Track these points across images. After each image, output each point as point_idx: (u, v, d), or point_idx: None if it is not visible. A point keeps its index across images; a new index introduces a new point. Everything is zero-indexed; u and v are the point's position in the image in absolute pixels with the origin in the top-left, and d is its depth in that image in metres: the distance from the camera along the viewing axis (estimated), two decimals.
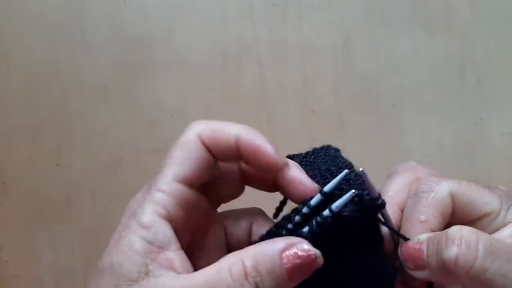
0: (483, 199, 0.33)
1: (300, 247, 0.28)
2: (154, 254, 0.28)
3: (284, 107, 0.70)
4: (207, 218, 0.33)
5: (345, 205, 0.29)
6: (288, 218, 0.31)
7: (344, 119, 0.70)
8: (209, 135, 0.32)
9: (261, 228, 0.34)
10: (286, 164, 0.32)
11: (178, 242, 0.29)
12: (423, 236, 0.32)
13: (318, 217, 0.29)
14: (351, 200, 0.30)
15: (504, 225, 0.32)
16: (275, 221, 0.34)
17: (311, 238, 0.29)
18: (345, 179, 0.32)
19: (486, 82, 0.71)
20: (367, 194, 0.30)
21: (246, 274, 0.27)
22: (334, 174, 0.33)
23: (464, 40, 0.71)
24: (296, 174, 0.32)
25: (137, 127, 0.69)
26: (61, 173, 0.68)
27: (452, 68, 0.71)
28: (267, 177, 0.32)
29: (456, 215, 0.33)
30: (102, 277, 0.28)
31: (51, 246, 0.68)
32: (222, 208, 0.36)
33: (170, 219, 0.29)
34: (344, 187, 0.32)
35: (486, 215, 0.33)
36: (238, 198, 0.36)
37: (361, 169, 0.30)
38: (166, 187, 0.30)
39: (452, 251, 0.29)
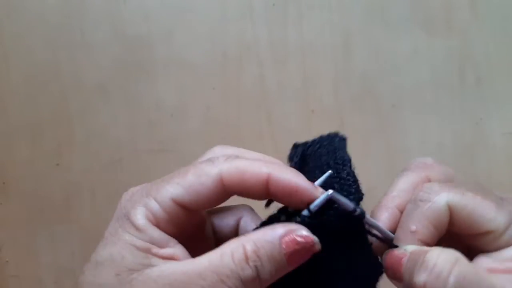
0: (487, 215, 0.30)
1: (299, 233, 0.29)
2: (154, 250, 0.29)
3: (284, 107, 0.70)
4: (196, 226, 0.33)
5: (328, 206, 0.30)
6: (274, 218, 0.31)
7: (344, 119, 0.70)
8: (234, 177, 0.30)
9: (248, 225, 0.35)
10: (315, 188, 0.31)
11: (174, 239, 0.30)
12: (410, 248, 0.32)
13: (297, 217, 0.30)
14: (330, 200, 0.30)
15: (508, 245, 0.30)
16: (262, 218, 0.34)
17: None
18: (338, 176, 0.32)
19: (486, 82, 0.71)
20: (343, 208, 0.30)
21: (247, 259, 0.28)
22: (337, 164, 0.33)
23: (464, 40, 0.71)
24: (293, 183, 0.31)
25: (137, 127, 0.69)
26: (61, 173, 0.68)
27: (452, 68, 0.71)
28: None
29: (456, 227, 0.32)
30: (101, 268, 0.28)
31: (51, 246, 0.68)
32: None
33: (159, 228, 0.30)
34: (336, 185, 0.32)
35: (487, 232, 0.31)
36: None
37: (330, 191, 0.30)
38: (162, 201, 0.30)
39: (422, 277, 0.29)
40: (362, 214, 0.31)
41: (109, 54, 0.68)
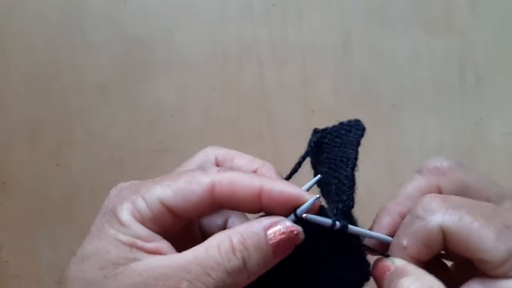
0: (483, 244, 0.29)
1: (283, 224, 0.29)
2: (139, 244, 0.29)
3: (284, 107, 0.70)
4: (182, 227, 0.33)
5: (318, 210, 0.30)
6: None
7: (344, 119, 0.70)
8: (226, 189, 0.29)
9: (235, 224, 0.35)
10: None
11: (160, 236, 0.30)
12: (397, 262, 0.31)
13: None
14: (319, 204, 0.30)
15: (506, 276, 0.29)
16: (250, 219, 0.34)
17: None
18: (337, 177, 0.32)
19: (486, 82, 0.71)
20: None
21: (233, 250, 0.28)
22: (341, 162, 0.33)
23: (464, 40, 0.70)
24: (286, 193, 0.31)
25: (137, 127, 0.69)
26: (61, 173, 0.68)
27: (452, 68, 0.71)
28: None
29: (451, 248, 0.31)
30: (87, 262, 0.28)
31: (51, 246, 0.68)
32: None
33: (144, 225, 0.30)
34: (333, 186, 0.32)
35: (482, 261, 0.29)
36: None
37: (304, 215, 0.30)
38: (150, 200, 0.29)
39: None
40: (344, 226, 0.31)
41: (109, 54, 0.68)
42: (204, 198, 0.29)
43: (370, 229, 0.35)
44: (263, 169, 0.34)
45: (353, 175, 0.33)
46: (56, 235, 0.68)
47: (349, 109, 0.70)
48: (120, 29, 0.68)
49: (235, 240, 0.28)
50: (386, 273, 0.31)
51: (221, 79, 0.69)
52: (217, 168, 0.30)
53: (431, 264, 0.33)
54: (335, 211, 0.31)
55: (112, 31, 0.68)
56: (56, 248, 0.68)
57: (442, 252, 0.33)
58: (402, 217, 0.34)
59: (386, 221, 0.34)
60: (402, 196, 0.35)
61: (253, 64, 0.70)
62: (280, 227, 0.29)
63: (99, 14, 0.68)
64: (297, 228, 0.29)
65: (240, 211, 0.32)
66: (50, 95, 0.68)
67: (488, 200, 0.33)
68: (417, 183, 0.35)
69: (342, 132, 0.36)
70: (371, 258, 0.35)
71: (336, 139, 0.35)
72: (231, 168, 0.31)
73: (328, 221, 0.30)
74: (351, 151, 0.34)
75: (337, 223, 0.30)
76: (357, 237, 0.33)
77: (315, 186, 0.36)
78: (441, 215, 0.30)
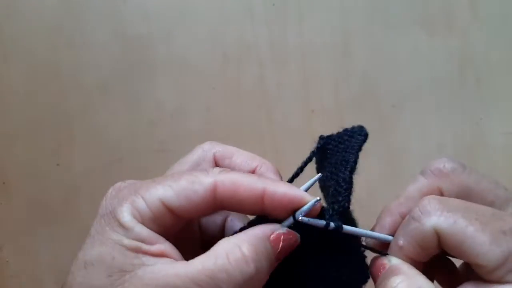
0: (477, 248, 0.29)
1: (282, 231, 0.30)
2: (143, 248, 0.28)
3: (284, 107, 0.70)
4: (182, 227, 0.33)
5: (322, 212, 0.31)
6: (260, 219, 0.31)
7: (344, 119, 0.70)
8: (228, 190, 0.29)
9: (235, 224, 0.35)
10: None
11: (162, 237, 0.29)
12: (393, 261, 0.32)
13: (284, 222, 0.31)
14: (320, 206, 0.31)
15: (500, 281, 0.29)
16: (248, 218, 0.34)
17: None
18: (335, 179, 0.33)
19: (486, 82, 0.71)
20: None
21: (245, 259, 0.28)
22: (341, 165, 0.34)
23: (464, 40, 0.70)
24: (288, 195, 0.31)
25: (137, 127, 0.69)
26: (61, 173, 0.68)
27: (452, 68, 0.71)
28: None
29: (446, 250, 0.31)
30: (91, 268, 0.28)
31: (51, 246, 0.68)
32: None
33: (145, 225, 0.29)
34: (331, 188, 0.33)
35: (476, 265, 0.29)
36: None
37: (300, 218, 0.30)
38: (150, 200, 0.29)
39: None
40: (338, 227, 0.31)
41: (109, 54, 0.68)
42: (206, 199, 0.29)
43: (373, 229, 0.35)
44: (262, 168, 0.34)
45: (351, 177, 0.33)
46: (56, 235, 0.68)
47: (349, 109, 0.70)
48: (120, 29, 0.68)
49: (245, 249, 0.28)
50: (381, 270, 0.32)
51: (221, 79, 0.69)
52: (219, 169, 0.30)
53: (437, 263, 0.33)
54: (330, 212, 0.31)
55: (112, 31, 0.68)
56: (56, 248, 0.68)
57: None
58: (403, 217, 0.34)
59: (387, 221, 0.35)
60: (403, 197, 0.35)
61: (253, 64, 0.70)
62: (280, 233, 0.30)
63: (99, 14, 0.68)
64: (295, 234, 0.30)
65: (241, 212, 0.32)
66: (50, 95, 0.68)
67: (492, 203, 0.32)
68: (419, 184, 0.35)
69: (345, 138, 0.36)
70: (371, 257, 0.35)
71: (339, 145, 0.36)
72: (233, 168, 0.31)
73: (321, 222, 0.30)
74: (351, 155, 0.34)
75: (331, 224, 0.31)
76: (356, 238, 0.34)
77: (318, 188, 0.36)
78: (436, 217, 0.30)
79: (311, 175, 0.37)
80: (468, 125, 0.71)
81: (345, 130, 0.36)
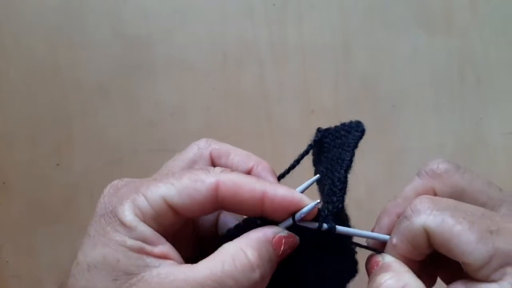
0: (463, 247, 0.29)
1: (284, 234, 0.30)
2: (147, 249, 0.28)
3: (284, 107, 0.70)
4: (180, 226, 0.33)
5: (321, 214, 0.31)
6: (252, 219, 0.32)
7: (344, 119, 0.70)
8: (230, 190, 0.29)
9: (228, 220, 0.35)
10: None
11: (163, 237, 0.29)
12: (386, 259, 0.33)
13: (282, 224, 0.31)
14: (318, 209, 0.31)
15: (486, 279, 0.29)
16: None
17: None
18: (331, 178, 0.33)
19: (486, 82, 0.71)
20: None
21: (251, 265, 0.28)
22: (337, 163, 0.34)
23: (464, 40, 0.71)
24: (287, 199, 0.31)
25: (137, 127, 0.69)
26: (61, 173, 0.68)
27: (452, 68, 0.71)
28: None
29: (437, 249, 0.31)
30: (95, 272, 0.28)
31: (51, 246, 0.68)
32: None
33: (147, 224, 0.29)
34: (326, 187, 0.33)
35: (463, 263, 0.30)
36: None
37: (317, 201, 0.31)
38: (152, 198, 0.29)
39: None
40: (331, 228, 0.31)
41: (109, 54, 0.68)
42: (208, 198, 0.29)
43: (373, 229, 0.36)
44: (259, 168, 0.34)
45: (346, 177, 0.33)
46: (56, 235, 0.68)
47: (349, 109, 0.70)
48: (120, 29, 0.68)
49: (250, 254, 0.28)
50: (375, 267, 0.33)
51: (221, 79, 0.69)
52: (220, 168, 0.30)
53: (440, 261, 0.33)
54: (326, 212, 0.32)
55: (112, 31, 0.68)
56: (56, 248, 0.68)
57: None
58: (399, 217, 0.34)
59: (385, 221, 0.35)
60: (400, 198, 0.36)
61: (253, 64, 0.70)
62: (281, 236, 0.30)
63: (99, 14, 0.68)
64: (296, 236, 0.30)
65: (240, 213, 0.32)
66: (50, 95, 0.68)
67: (484, 204, 0.33)
68: (414, 185, 0.35)
69: (343, 133, 0.36)
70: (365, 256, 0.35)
71: (336, 140, 0.36)
72: (229, 167, 0.31)
73: (314, 225, 0.31)
74: (347, 153, 0.34)
75: (324, 225, 0.31)
76: (348, 236, 0.34)
77: (315, 184, 0.36)
78: (425, 216, 0.31)
79: (309, 167, 0.37)
80: (468, 125, 0.71)
81: (343, 124, 0.37)
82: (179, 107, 0.69)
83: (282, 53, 0.70)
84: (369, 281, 0.32)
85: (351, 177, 0.34)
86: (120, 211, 0.28)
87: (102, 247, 0.28)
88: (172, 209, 0.29)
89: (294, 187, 0.33)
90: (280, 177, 0.37)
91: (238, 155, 0.35)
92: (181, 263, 0.29)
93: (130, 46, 0.69)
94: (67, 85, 0.68)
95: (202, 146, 0.35)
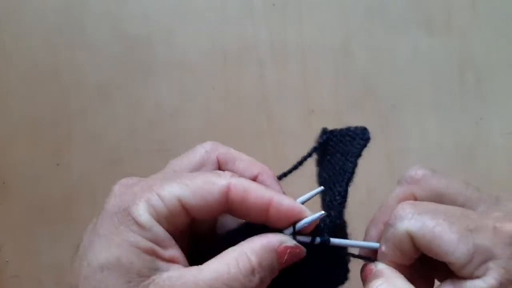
0: (445, 247, 0.30)
1: (290, 244, 0.31)
2: (159, 252, 0.28)
3: (284, 107, 0.70)
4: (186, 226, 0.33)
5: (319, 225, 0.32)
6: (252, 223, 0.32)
7: (344, 119, 0.70)
8: (239, 194, 0.30)
9: (227, 221, 0.35)
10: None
11: (173, 239, 0.29)
12: (379, 266, 0.34)
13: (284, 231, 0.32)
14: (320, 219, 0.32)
15: (470, 277, 0.30)
16: None
17: None
18: (332, 189, 0.34)
19: (486, 82, 0.71)
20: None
21: (253, 270, 0.29)
22: (339, 174, 0.34)
23: (464, 40, 0.71)
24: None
25: (137, 127, 0.69)
26: (61, 173, 0.68)
27: (452, 68, 0.71)
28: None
29: (423, 251, 0.32)
30: (108, 273, 0.27)
31: (51, 246, 0.68)
32: None
33: (161, 224, 0.29)
34: (327, 198, 0.34)
35: (448, 263, 0.31)
36: None
37: (321, 213, 0.31)
38: (167, 198, 0.29)
39: None
40: (325, 241, 0.32)
41: (109, 54, 0.68)
42: (219, 200, 0.30)
43: (364, 239, 0.37)
44: (264, 175, 0.35)
45: (346, 190, 0.34)
46: (56, 235, 0.68)
47: (349, 109, 0.70)
48: (120, 29, 0.68)
49: (253, 259, 0.29)
50: (368, 275, 0.34)
51: (221, 79, 0.69)
52: (230, 173, 0.31)
53: (431, 264, 0.34)
54: (322, 226, 0.32)
55: (112, 31, 0.68)
56: (56, 248, 0.68)
57: None
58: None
59: (373, 231, 0.37)
60: (384, 207, 0.37)
61: (253, 64, 0.70)
62: (287, 245, 0.30)
63: (99, 14, 0.68)
64: (302, 248, 0.31)
65: (245, 219, 0.32)
66: (50, 95, 0.68)
67: (462, 204, 0.34)
68: (396, 193, 0.37)
69: (348, 138, 0.36)
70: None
71: (340, 144, 0.36)
72: (241, 176, 0.32)
73: (307, 239, 0.32)
74: (350, 163, 0.34)
75: (317, 239, 0.32)
76: (343, 248, 0.35)
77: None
78: (407, 221, 0.32)
79: (309, 167, 0.37)
80: (468, 125, 0.71)
81: (348, 129, 0.37)
82: (179, 107, 0.69)
83: (282, 53, 0.70)
84: None
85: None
86: (135, 210, 0.28)
87: (115, 247, 0.28)
88: (185, 209, 0.29)
89: (295, 188, 0.33)
90: (281, 177, 0.37)
91: (243, 162, 0.35)
92: (186, 266, 0.29)
93: (130, 46, 0.69)
94: (67, 85, 0.68)
95: (209, 150, 0.35)
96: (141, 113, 0.69)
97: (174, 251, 0.29)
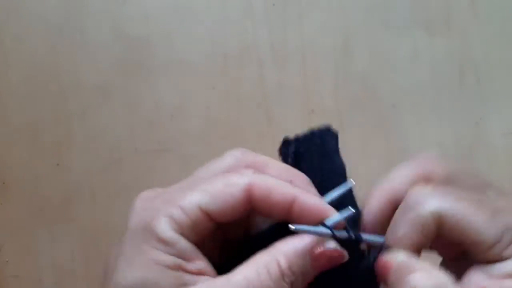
0: (476, 226, 0.29)
1: (328, 246, 0.29)
2: (185, 266, 0.28)
3: (284, 107, 0.70)
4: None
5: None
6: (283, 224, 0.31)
7: (344, 119, 0.70)
8: (263, 192, 0.29)
9: (259, 218, 0.34)
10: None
11: (199, 251, 0.29)
12: (399, 257, 0.31)
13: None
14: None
15: (501, 258, 0.29)
16: None
17: None
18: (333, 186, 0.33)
19: (486, 82, 0.71)
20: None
21: (282, 275, 0.27)
22: (331, 181, 0.33)
23: (464, 40, 0.70)
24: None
25: (137, 127, 0.69)
26: (61, 173, 0.68)
27: (452, 68, 0.71)
28: None
29: (444, 235, 0.31)
30: None
31: (51, 246, 0.68)
32: None
33: (184, 237, 0.29)
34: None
35: (476, 243, 0.30)
36: None
37: (350, 211, 0.30)
38: (188, 208, 0.28)
39: None
40: (358, 238, 0.31)
41: (109, 54, 0.68)
42: (242, 201, 0.29)
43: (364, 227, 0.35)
44: (297, 181, 0.33)
45: (351, 189, 0.33)
46: (56, 235, 0.68)
47: (349, 109, 0.70)
48: (120, 29, 0.68)
49: (283, 264, 0.28)
50: (390, 270, 0.31)
51: (221, 79, 0.69)
52: (252, 170, 0.30)
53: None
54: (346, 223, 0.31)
55: (112, 31, 0.68)
56: (56, 248, 0.68)
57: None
58: (391, 202, 0.33)
59: (375, 206, 0.34)
60: (390, 187, 0.34)
61: (253, 64, 0.70)
62: (325, 249, 0.29)
63: (99, 14, 0.68)
64: (343, 251, 0.29)
65: (269, 216, 0.31)
66: (50, 95, 0.68)
67: (474, 188, 0.33)
68: (405, 169, 0.34)
69: (317, 141, 0.35)
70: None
71: (312, 149, 0.35)
72: (264, 173, 0.30)
73: (343, 233, 0.30)
74: (339, 165, 0.34)
75: (351, 234, 0.31)
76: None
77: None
78: (435, 200, 0.30)
79: None
80: (468, 125, 0.71)
81: (312, 132, 0.35)
82: (179, 107, 0.69)
83: (282, 53, 0.70)
84: (390, 286, 0.30)
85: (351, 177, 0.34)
86: (157, 226, 0.27)
87: (140, 267, 0.27)
88: (208, 216, 0.28)
89: None
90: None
91: (274, 169, 0.33)
92: (214, 276, 0.28)
93: (130, 46, 0.69)
94: (67, 85, 0.68)
95: (239, 157, 0.34)
96: (141, 113, 0.69)
97: (201, 263, 0.28)
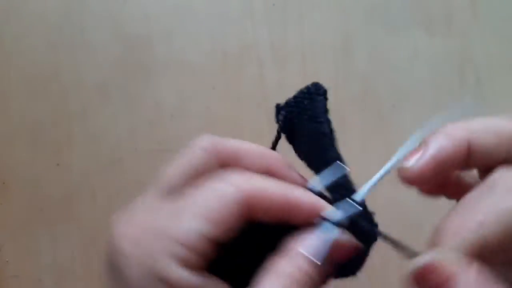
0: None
1: (343, 240, 0.28)
2: None
3: None
4: None
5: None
6: None
7: (344, 119, 0.70)
8: (256, 200, 0.27)
9: None
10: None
11: (210, 277, 0.27)
12: (448, 257, 0.23)
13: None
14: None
15: None
16: None
17: None
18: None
19: (486, 82, 0.71)
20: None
21: (307, 274, 0.26)
22: (320, 143, 0.32)
23: (464, 40, 0.71)
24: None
25: (137, 127, 0.69)
26: (61, 173, 0.68)
27: (452, 68, 0.71)
28: None
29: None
30: None
31: (51, 246, 0.68)
32: None
33: (193, 269, 0.27)
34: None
35: None
36: None
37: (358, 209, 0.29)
38: (188, 239, 0.26)
39: None
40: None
41: (109, 54, 0.68)
42: (238, 214, 0.27)
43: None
44: (276, 166, 0.31)
45: (339, 155, 0.32)
46: (56, 235, 0.68)
47: (349, 109, 0.70)
48: (120, 29, 0.68)
49: (309, 269, 0.27)
50: (447, 283, 0.23)
51: (221, 79, 0.69)
52: (239, 174, 0.28)
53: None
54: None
55: (112, 31, 0.68)
56: (56, 248, 0.68)
57: None
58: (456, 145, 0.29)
59: (446, 144, 0.29)
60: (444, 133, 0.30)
61: (253, 64, 0.70)
62: (343, 244, 0.28)
63: (99, 14, 0.68)
64: (356, 243, 0.28)
65: (264, 220, 0.29)
66: (50, 95, 0.68)
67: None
68: (443, 137, 0.30)
69: (306, 102, 0.34)
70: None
71: (302, 115, 0.34)
72: (253, 176, 0.28)
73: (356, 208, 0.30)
74: (324, 123, 0.33)
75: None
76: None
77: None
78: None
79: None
80: None
81: (301, 91, 0.35)
82: (179, 107, 0.69)
83: (282, 53, 0.70)
84: None
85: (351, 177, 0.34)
86: (162, 269, 0.25)
87: None
88: (210, 241, 0.26)
89: None
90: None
91: (249, 158, 0.31)
92: None
93: (130, 46, 0.69)
94: (67, 85, 0.68)
95: (208, 149, 0.31)
96: (141, 113, 0.69)
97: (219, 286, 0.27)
